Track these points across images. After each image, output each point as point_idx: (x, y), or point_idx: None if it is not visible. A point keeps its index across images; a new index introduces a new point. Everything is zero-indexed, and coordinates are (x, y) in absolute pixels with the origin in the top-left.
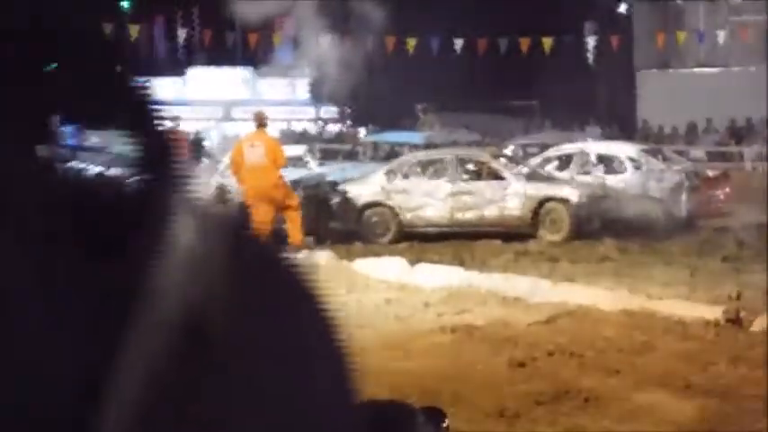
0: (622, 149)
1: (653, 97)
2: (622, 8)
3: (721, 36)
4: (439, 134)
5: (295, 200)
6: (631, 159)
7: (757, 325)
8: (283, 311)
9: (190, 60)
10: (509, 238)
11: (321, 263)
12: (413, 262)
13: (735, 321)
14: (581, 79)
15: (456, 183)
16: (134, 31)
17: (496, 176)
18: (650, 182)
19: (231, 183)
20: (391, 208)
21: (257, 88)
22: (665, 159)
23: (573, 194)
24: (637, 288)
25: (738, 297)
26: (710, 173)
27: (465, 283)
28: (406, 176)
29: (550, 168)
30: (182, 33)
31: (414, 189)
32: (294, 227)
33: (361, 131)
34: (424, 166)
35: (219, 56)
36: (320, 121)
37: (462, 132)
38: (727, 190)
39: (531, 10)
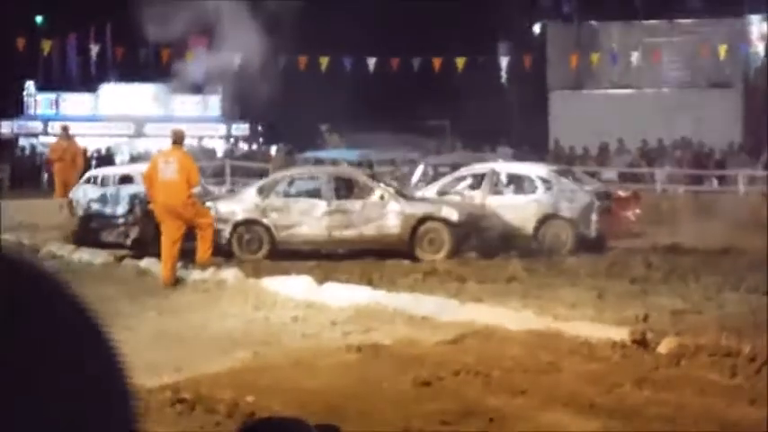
0: (533, 170)
1: (565, 118)
2: (536, 28)
3: (634, 57)
4: (376, 152)
5: (207, 218)
6: (542, 179)
7: (663, 346)
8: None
9: (102, 76)
10: (387, 256)
11: (229, 280)
12: (321, 280)
13: (641, 343)
14: (494, 99)
15: (332, 201)
16: (47, 45)
17: (373, 194)
18: (561, 202)
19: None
20: (265, 226)
21: (169, 105)
22: (575, 180)
23: (452, 214)
24: (544, 309)
25: (645, 319)
26: (621, 193)
27: (372, 302)
28: (279, 194)
29: (461, 188)
30: (94, 49)
31: (288, 207)
32: (204, 244)
33: (272, 149)
34: (299, 183)
35: (132, 72)
36: (232, 139)
37: (401, 150)
38: (638, 211)
39: (445, 29)
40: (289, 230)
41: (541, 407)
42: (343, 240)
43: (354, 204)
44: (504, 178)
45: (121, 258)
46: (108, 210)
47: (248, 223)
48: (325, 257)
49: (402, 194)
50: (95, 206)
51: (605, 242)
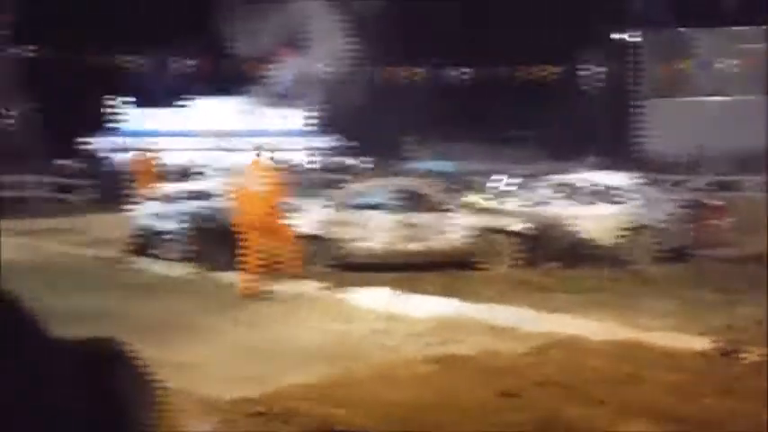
0: (621, 179)
1: (656, 126)
2: (626, 37)
3: (727, 64)
4: (472, 164)
5: (289, 231)
6: (629, 189)
7: (748, 357)
8: None
9: (191, 91)
10: (454, 267)
11: (309, 292)
12: (402, 292)
13: (725, 353)
14: (582, 108)
15: (397, 214)
16: (138, 62)
17: (439, 208)
18: (648, 212)
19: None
20: (330, 240)
21: (255, 118)
22: (663, 189)
23: (517, 225)
24: (627, 319)
25: (730, 328)
26: (710, 202)
27: (455, 313)
28: (345, 207)
29: (548, 198)
30: (183, 64)
31: (354, 221)
32: (291, 256)
33: (357, 161)
34: (365, 197)
35: (217, 86)
36: (316, 152)
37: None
38: (728, 219)
39: (534, 39)
40: (354, 244)
41: (623, 418)
42: (408, 254)
43: (420, 217)
44: (590, 188)
45: (200, 271)
46: (159, 225)
47: (314, 236)
48: (405, 269)
49: (468, 206)
50: (149, 222)
51: (691, 251)
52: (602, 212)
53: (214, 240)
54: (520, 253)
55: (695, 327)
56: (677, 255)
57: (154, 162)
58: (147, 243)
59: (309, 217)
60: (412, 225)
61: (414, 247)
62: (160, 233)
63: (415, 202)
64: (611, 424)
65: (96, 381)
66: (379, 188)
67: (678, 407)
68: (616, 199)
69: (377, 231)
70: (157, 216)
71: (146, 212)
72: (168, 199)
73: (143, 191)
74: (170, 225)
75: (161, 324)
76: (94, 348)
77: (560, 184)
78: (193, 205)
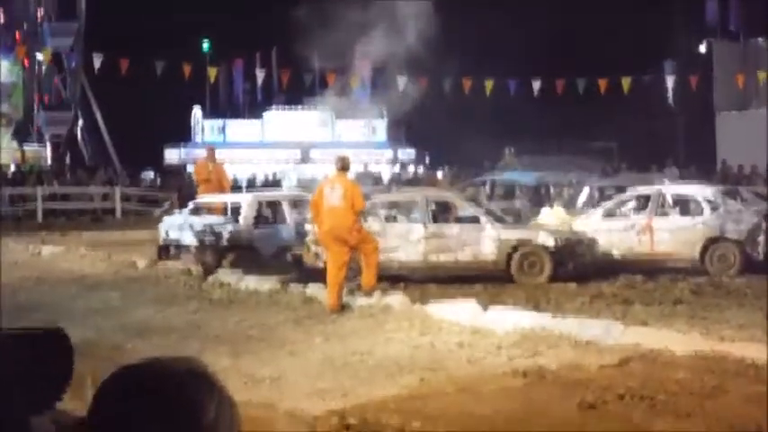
0: (699, 191)
1: (732, 138)
2: (702, 48)
3: None
4: (549, 174)
5: (372, 243)
6: (708, 201)
7: None
8: None
9: (268, 102)
10: (486, 280)
11: (394, 306)
12: (486, 305)
13: None
14: (660, 120)
15: (429, 225)
16: (213, 72)
17: (470, 219)
18: (728, 223)
19: None
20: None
21: (335, 130)
22: (742, 200)
23: (548, 239)
24: (710, 331)
25: None
26: None
27: (538, 326)
28: (377, 217)
29: (627, 210)
30: (260, 75)
31: (386, 231)
32: (369, 271)
33: (438, 174)
34: (396, 207)
35: (297, 97)
36: (398, 164)
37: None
38: None
39: (610, 50)
40: (386, 254)
41: (707, 430)
42: (438, 265)
43: (451, 229)
44: (669, 200)
45: (287, 285)
46: (178, 237)
47: None
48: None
49: (499, 219)
50: (171, 234)
51: None
52: (684, 224)
53: (213, 256)
54: (549, 266)
55: None
56: (760, 266)
57: (217, 170)
58: (167, 253)
59: None
60: (443, 236)
61: (444, 258)
62: (176, 244)
63: (445, 212)
64: None
65: (175, 397)
66: (412, 198)
67: (763, 420)
68: (696, 211)
69: (407, 242)
70: (176, 227)
71: (165, 224)
72: (198, 211)
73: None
74: (182, 236)
75: (248, 337)
76: (173, 365)
77: (641, 196)
78: (208, 219)
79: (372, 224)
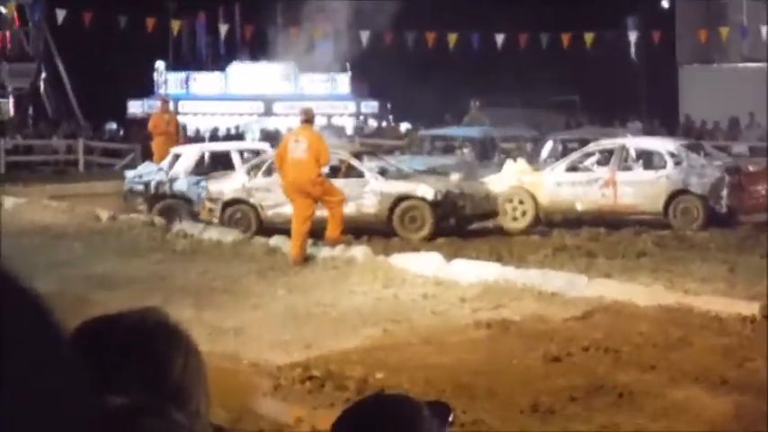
0: (662, 145)
1: (695, 92)
2: (665, 3)
3: (764, 30)
4: (496, 129)
5: (336, 196)
6: (671, 154)
7: None
8: None
9: (232, 56)
10: (370, 233)
11: (358, 258)
12: (450, 257)
13: None
14: (623, 74)
15: None
16: (176, 26)
17: (356, 173)
18: (691, 177)
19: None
20: (252, 205)
21: (298, 83)
22: (705, 155)
23: (428, 192)
24: (674, 284)
25: None
26: (752, 168)
27: (501, 278)
28: (266, 173)
29: (590, 163)
30: (223, 28)
31: (274, 186)
32: (333, 223)
33: (402, 127)
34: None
35: (261, 51)
36: (361, 117)
37: (518, 127)
38: None
39: (573, 5)
40: (273, 210)
41: (671, 383)
42: (321, 219)
43: (336, 183)
44: (633, 153)
45: (252, 236)
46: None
47: (236, 202)
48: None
49: (384, 173)
50: (131, 182)
51: (736, 217)
52: (647, 178)
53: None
54: (430, 220)
55: (743, 291)
56: (722, 220)
57: (174, 121)
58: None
59: (233, 183)
60: None
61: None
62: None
63: (334, 168)
64: (661, 389)
65: (144, 349)
66: None
67: (726, 372)
68: (660, 165)
69: None
70: (140, 177)
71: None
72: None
73: (166, 149)
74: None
75: (212, 289)
76: (140, 318)
77: (604, 150)
78: (140, 170)
79: (261, 180)
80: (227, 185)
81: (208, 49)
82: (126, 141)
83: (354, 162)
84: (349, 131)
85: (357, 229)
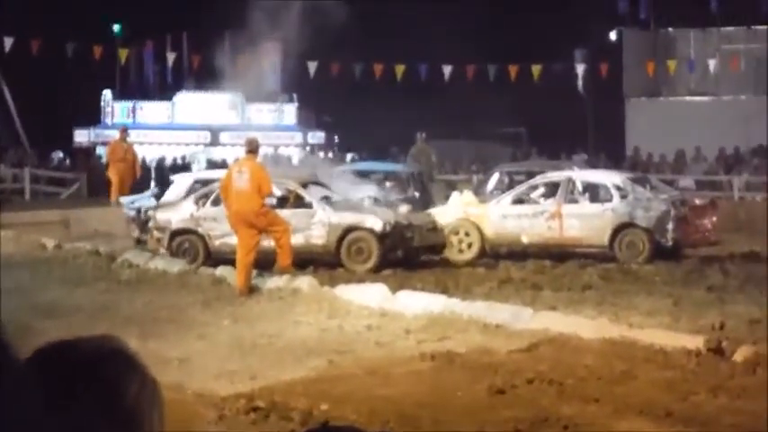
0: (609, 178)
1: (642, 125)
2: (612, 36)
3: (712, 65)
4: (426, 165)
5: (281, 225)
6: (617, 188)
7: (739, 355)
8: None
9: (179, 85)
10: (319, 265)
11: (303, 289)
12: (395, 288)
13: (716, 351)
14: (570, 107)
15: None
16: (123, 54)
17: (304, 204)
18: (637, 210)
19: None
20: (200, 235)
21: (245, 113)
22: (651, 188)
23: (377, 223)
24: (619, 317)
25: (722, 327)
26: (698, 201)
27: (447, 310)
28: (214, 203)
29: (536, 196)
30: (171, 57)
31: (222, 216)
32: (282, 252)
33: (348, 158)
34: None
35: (208, 80)
36: (308, 147)
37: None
38: (714, 219)
39: (520, 37)
40: (221, 239)
41: (616, 415)
42: (270, 250)
43: (284, 213)
44: (579, 186)
45: (198, 267)
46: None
47: (184, 232)
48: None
49: (331, 203)
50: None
51: (681, 250)
52: (593, 211)
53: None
54: (380, 250)
55: (687, 325)
56: (667, 253)
57: (131, 150)
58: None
59: (181, 212)
60: None
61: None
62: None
63: (281, 198)
64: (606, 422)
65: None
66: None
67: (671, 404)
68: (606, 197)
69: None
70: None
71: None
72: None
73: (124, 178)
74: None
75: (157, 319)
76: (97, 344)
77: (550, 183)
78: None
79: (209, 210)
80: (175, 215)
81: (155, 77)
82: (72, 170)
83: (302, 192)
84: (295, 162)
85: (303, 261)
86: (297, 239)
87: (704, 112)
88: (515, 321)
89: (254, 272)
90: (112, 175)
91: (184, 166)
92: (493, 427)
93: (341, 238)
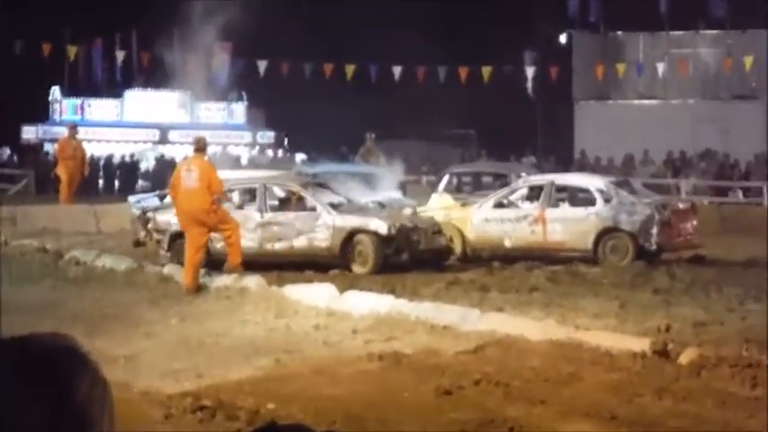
0: (592, 182)
1: (590, 128)
2: (562, 39)
3: (660, 68)
4: (379, 166)
5: (231, 223)
6: (601, 191)
7: (684, 357)
8: None
9: (128, 83)
10: (325, 269)
11: (251, 288)
12: (343, 289)
13: (662, 353)
14: (520, 109)
15: (265, 213)
16: (72, 51)
17: (307, 207)
18: (621, 214)
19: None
20: None
21: (194, 112)
22: (633, 192)
23: (381, 227)
24: (566, 318)
25: (667, 329)
26: (681, 205)
27: (394, 311)
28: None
29: (517, 199)
30: (120, 55)
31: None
32: (232, 251)
33: (298, 157)
34: (234, 194)
35: (157, 79)
36: (257, 146)
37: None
38: (695, 222)
39: (471, 39)
40: (222, 242)
41: (561, 417)
42: (274, 253)
43: (287, 216)
44: (562, 190)
45: (145, 265)
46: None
47: (181, 233)
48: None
49: (335, 206)
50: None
51: (661, 255)
52: (576, 215)
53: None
54: (382, 253)
55: (633, 327)
56: (649, 257)
57: (81, 147)
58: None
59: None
60: (279, 224)
61: (280, 246)
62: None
63: (283, 199)
64: (551, 424)
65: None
66: (250, 184)
67: (616, 407)
68: (589, 202)
69: (243, 230)
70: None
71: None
72: None
73: (73, 174)
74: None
75: (104, 317)
76: (47, 341)
77: (533, 186)
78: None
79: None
80: (175, 217)
81: (104, 75)
82: (20, 167)
83: (305, 194)
84: (244, 161)
85: (305, 264)
86: (300, 242)
87: (652, 115)
88: (463, 323)
89: (202, 270)
90: (61, 172)
91: (133, 164)
92: (439, 428)
93: (345, 241)
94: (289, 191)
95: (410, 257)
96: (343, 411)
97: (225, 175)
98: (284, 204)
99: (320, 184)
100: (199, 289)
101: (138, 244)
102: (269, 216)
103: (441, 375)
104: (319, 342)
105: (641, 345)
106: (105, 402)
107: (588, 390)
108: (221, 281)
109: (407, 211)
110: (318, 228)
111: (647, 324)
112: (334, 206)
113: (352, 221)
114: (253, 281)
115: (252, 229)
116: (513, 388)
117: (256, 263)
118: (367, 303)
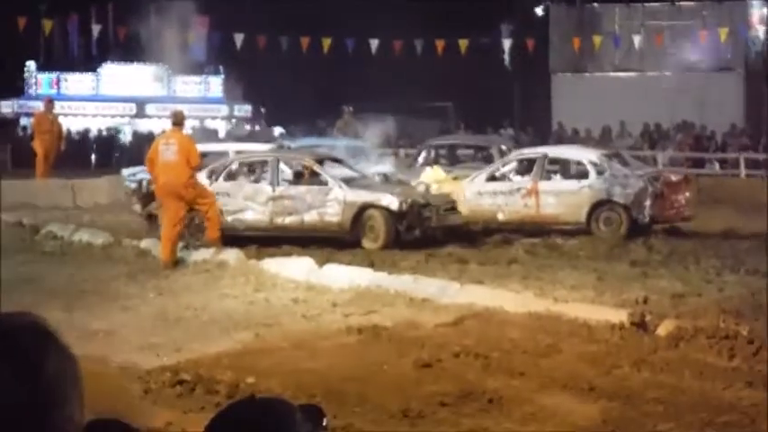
0: (584, 154)
1: (568, 100)
2: (539, 11)
3: (637, 40)
4: (357, 141)
5: (209, 198)
6: (594, 164)
7: (662, 329)
8: None
9: (104, 56)
10: (334, 244)
11: (230, 261)
12: (322, 262)
13: (640, 325)
14: (497, 81)
15: (277, 187)
16: (48, 25)
17: (319, 181)
18: (614, 187)
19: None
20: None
21: (171, 85)
22: (625, 164)
23: (393, 202)
24: (544, 291)
25: (645, 301)
26: (673, 177)
27: (373, 284)
28: (228, 178)
29: (509, 172)
30: (96, 29)
31: (235, 192)
32: (211, 225)
33: (276, 130)
34: (247, 168)
35: (134, 52)
36: (234, 120)
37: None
38: (688, 194)
39: (447, 11)
40: (234, 215)
41: (540, 389)
42: (285, 227)
43: (298, 190)
44: (555, 163)
45: (122, 239)
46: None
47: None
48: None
49: (347, 181)
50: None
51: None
52: (570, 188)
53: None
54: (393, 228)
55: (611, 299)
56: (642, 229)
57: (57, 122)
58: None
59: None
60: (290, 198)
61: (290, 220)
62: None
63: (295, 174)
64: (530, 396)
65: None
66: (262, 159)
67: (595, 378)
68: (582, 174)
69: (254, 204)
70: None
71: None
72: None
73: (49, 149)
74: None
75: (81, 291)
76: (15, 320)
77: (525, 159)
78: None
79: (223, 185)
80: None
81: (80, 49)
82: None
83: (318, 168)
84: (222, 134)
85: (315, 239)
86: (311, 217)
87: (629, 87)
88: (442, 295)
89: (180, 244)
90: (38, 147)
91: (110, 138)
92: (418, 401)
93: (356, 216)
94: (302, 165)
95: (422, 234)
96: (322, 385)
97: (203, 148)
98: (297, 179)
99: (336, 159)
100: (176, 263)
101: (150, 217)
102: (280, 189)
103: (420, 348)
104: (298, 315)
105: (619, 317)
106: (75, 381)
107: (567, 361)
108: (199, 255)
109: (421, 186)
110: (329, 202)
111: (624, 296)
112: (347, 181)
113: (363, 196)
114: (231, 254)
115: (263, 202)
116: (493, 360)
117: (237, 237)
118: (346, 277)
